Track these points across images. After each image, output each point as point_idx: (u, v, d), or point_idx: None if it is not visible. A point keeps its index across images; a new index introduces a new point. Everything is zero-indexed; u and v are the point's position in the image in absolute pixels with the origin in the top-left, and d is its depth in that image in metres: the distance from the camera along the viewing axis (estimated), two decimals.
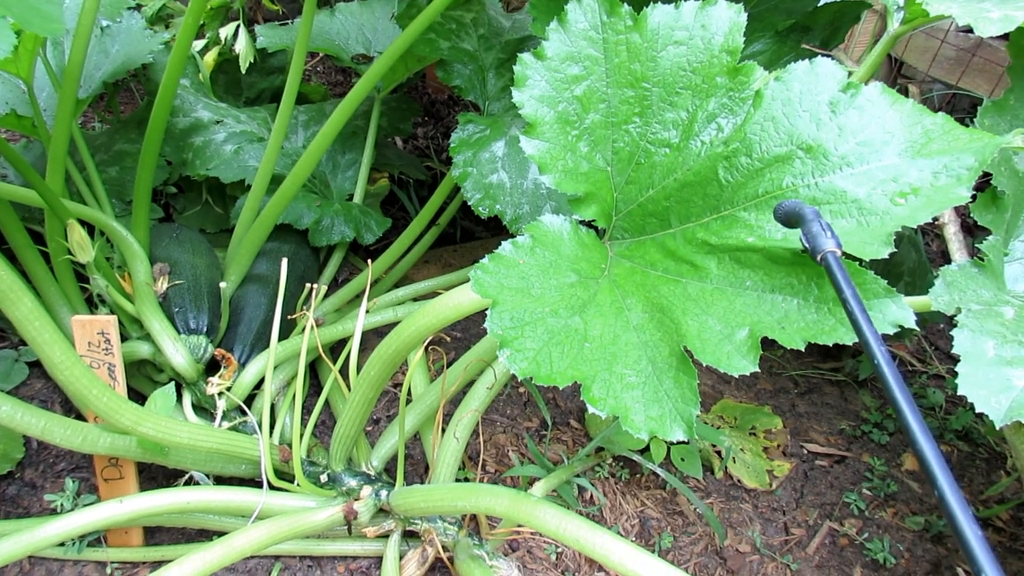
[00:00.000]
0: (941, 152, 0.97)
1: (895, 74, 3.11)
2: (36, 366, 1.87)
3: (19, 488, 1.64)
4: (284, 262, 1.47)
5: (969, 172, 0.94)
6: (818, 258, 0.85)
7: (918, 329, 0.92)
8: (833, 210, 1.01)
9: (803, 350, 0.95)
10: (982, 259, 1.15)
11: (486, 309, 1.00)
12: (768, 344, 0.97)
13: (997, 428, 0.96)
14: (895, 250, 0.92)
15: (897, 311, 0.92)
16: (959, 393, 0.99)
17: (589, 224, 1.18)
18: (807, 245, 0.88)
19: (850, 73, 1.08)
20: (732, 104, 1.12)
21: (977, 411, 0.97)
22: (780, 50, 1.74)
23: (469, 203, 1.67)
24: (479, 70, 1.94)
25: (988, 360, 1.00)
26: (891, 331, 0.91)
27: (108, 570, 1.52)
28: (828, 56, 1.08)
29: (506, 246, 1.06)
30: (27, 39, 1.40)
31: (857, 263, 0.95)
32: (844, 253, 0.96)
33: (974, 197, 1.19)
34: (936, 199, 0.94)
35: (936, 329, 2.36)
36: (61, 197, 1.55)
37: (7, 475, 1.65)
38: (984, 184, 1.29)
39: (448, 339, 2.15)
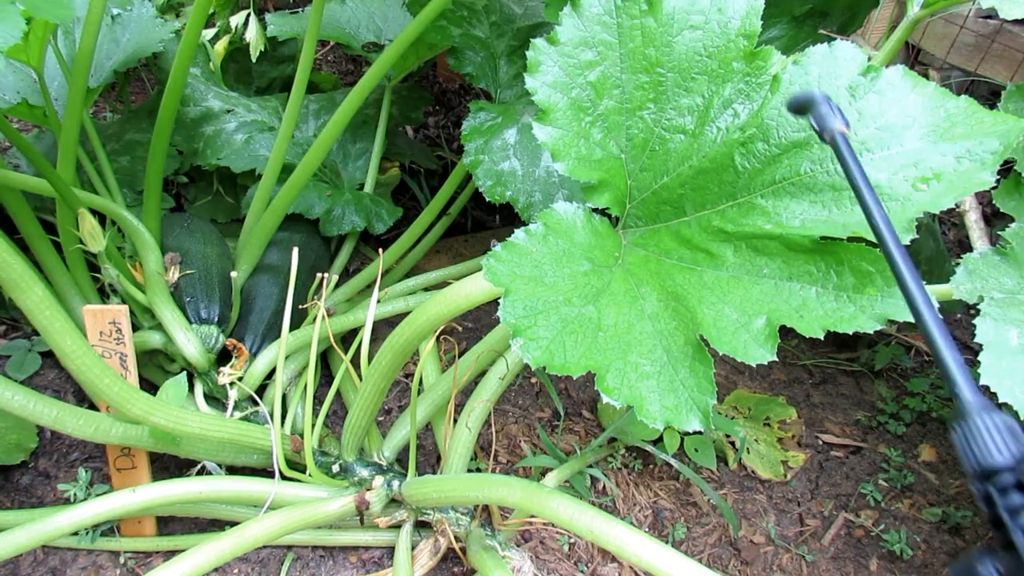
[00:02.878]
0: (964, 136, 0.95)
1: (912, 61, 3.07)
2: (49, 356, 1.87)
3: (33, 478, 1.65)
4: (295, 251, 1.46)
5: (993, 156, 0.92)
6: (827, 138, 0.85)
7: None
8: (852, 196, 0.99)
9: (818, 340, 0.93)
10: (1004, 247, 1.13)
11: (498, 298, 0.99)
12: (783, 333, 0.95)
13: (1021, 419, 0.94)
14: (916, 236, 0.90)
15: None
16: (982, 383, 0.97)
17: (602, 212, 1.17)
18: (816, 126, 0.87)
19: (870, 58, 1.06)
20: (749, 89, 1.10)
21: (1000, 402, 0.95)
22: (797, 36, 1.71)
23: (481, 190, 1.65)
24: (491, 57, 1.92)
25: (1011, 349, 0.98)
26: (912, 319, 0.89)
27: (122, 559, 1.53)
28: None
29: (519, 234, 1.05)
30: (37, 26, 1.39)
31: (877, 250, 0.93)
32: (864, 240, 0.94)
33: (997, 183, 1.17)
34: (959, 184, 0.92)
35: (953, 319, 2.33)
36: (72, 186, 1.55)
37: (21, 464, 1.65)
38: (1006, 171, 1.26)
39: (460, 329, 2.14)
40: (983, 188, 0.92)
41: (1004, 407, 0.96)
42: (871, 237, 0.92)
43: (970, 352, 2.21)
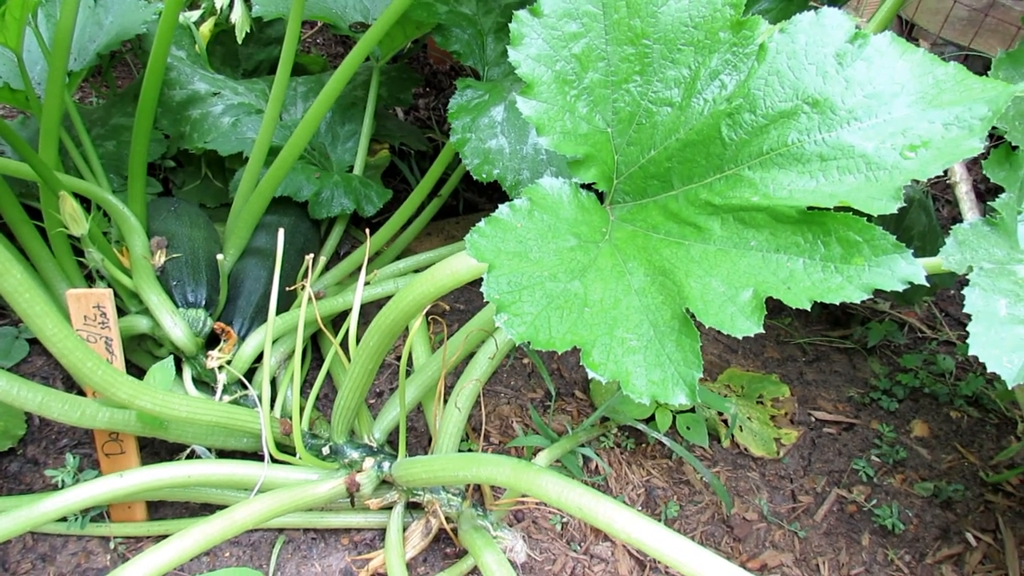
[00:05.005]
0: (953, 103, 0.93)
1: (905, 36, 3.05)
2: (38, 343, 1.85)
3: (21, 465, 1.64)
4: (281, 233, 1.44)
5: (982, 122, 0.90)
6: None
7: (929, 290, 0.89)
8: (840, 166, 0.97)
9: (811, 318, 0.92)
10: (994, 217, 1.12)
11: None
12: (776, 312, 0.94)
13: (1010, 388, 0.94)
14: (904, 205, 0.89)
15: (907, 267, 0.88)
16: (970, 353, 0.96)
17: (589, 187, 1.15)
18: None
19: (858, 25, 1.04)
20: (736, 60, 1.08)
21: (989, 371, 0.95)
22: (787, 9, 1.69)
23: (468, 168, 1.64)
24: (478, 35, 1.90)
25: (1000, 319, 0.97)
26: (901, 288, 0.88)
27: (112, 544, 1.52)
28: None
29: (503, 209, 1.04)
30: (13, 6, 1.37)
31: (865, 219, 0.92)
32: (853, 210, 0.93)
33: (987, 152, 1.16)
34: (947, 151, 0.91)
35: (946, 295, 2.33)
36: (54, 170, 1.53)
37: (9, 452, 1.64)
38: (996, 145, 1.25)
39: (451, 311, 2.13)
40: (972, 155, 0.90)
41: (991, 382, 0.95)
42: (859, 206, 0.91)
43: (961, 327, 2.20)
